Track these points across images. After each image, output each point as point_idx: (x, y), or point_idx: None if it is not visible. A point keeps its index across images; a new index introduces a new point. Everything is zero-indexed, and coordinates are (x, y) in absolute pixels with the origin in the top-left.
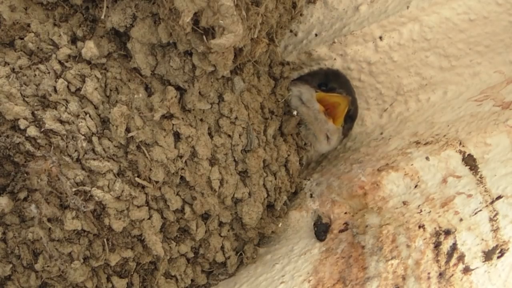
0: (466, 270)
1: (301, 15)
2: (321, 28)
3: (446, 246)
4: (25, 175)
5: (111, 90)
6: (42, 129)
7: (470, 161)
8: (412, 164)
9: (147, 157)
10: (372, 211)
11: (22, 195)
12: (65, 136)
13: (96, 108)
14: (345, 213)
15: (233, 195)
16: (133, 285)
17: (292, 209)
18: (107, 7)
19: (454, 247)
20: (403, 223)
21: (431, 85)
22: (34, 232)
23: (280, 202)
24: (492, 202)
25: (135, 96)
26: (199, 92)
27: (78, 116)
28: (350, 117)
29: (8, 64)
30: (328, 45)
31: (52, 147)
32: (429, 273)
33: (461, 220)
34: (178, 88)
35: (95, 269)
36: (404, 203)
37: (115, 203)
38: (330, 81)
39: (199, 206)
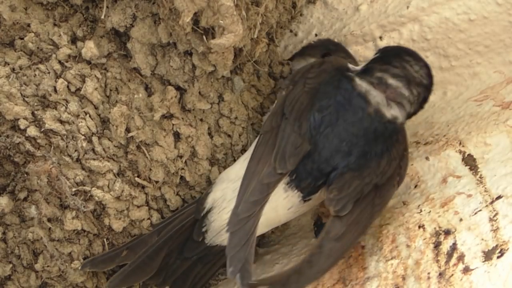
0: (466, 270)
1: (301, 15)
2: (321, 28)
3: (446, 246)
4: (25, 175)
5: (111, 90)
6: (42, 129)
7: (470, 161)
8: (412, 164)
9: (147, 157)
10: None
11: (22, 195)
12: (65, 136)
13: (96, 108)
14: None
15: None
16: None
17: None
18: (107, 7)
19: (454, 247)
20: (403, 223)
21: None
22: (34, 232)
23: None
24: (492, 202)
25: (135, 96)
26: (199, 92)
27: (78, 116)
28: None
29: (8, 64)
30: None
31: (52, 147)
32: (429, 273)
33: (461, 220)
34: (178, 88)
35: None
36: (404, 203)
37: (115, 203)
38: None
39: None
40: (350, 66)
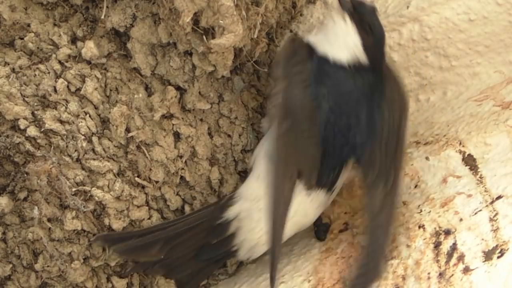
0: (466, 270)
1: (301, 15)
2: None
3: (446, 246)
4: (25, 175)
5: (111, 90)
6: (42, 129)
7: (470, 161)
8: (412, 164)
9: (147, 157)
10: None
11: (22, 195)
12: (65, 136)
13: (96, 108)
14: (345, 213)
15: None
16: (133, 285)
17: None
18: (107, 7)
19: (454, 247)
20: (403, 223)
21: (431, 85)
22: (34, 232)
23: None
24: (492, 202)
25: (135, 96)
26: (199, 92)
27: (78, 116)
28: None
29: (8, 64)
30: None
31: (52, 147)
32: (429, 273)
33: (461, 220)
34: (178, 88)
35: (95, 269)
36: (404, 203)
37: (115, 203)
38: None
39: (199, 206)
40: (310, 41)
